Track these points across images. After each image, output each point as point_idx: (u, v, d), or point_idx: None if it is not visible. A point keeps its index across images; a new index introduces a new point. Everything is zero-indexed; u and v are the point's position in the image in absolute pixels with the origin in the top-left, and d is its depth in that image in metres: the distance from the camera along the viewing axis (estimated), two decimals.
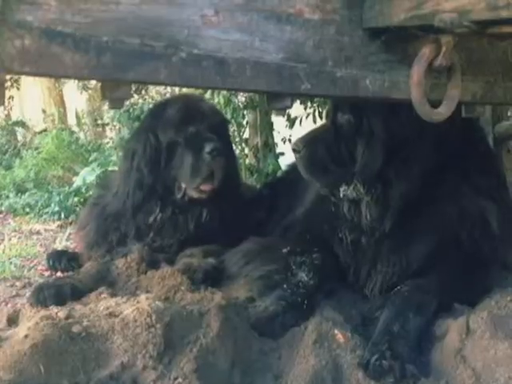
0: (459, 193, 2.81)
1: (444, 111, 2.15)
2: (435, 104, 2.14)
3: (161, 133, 3.47)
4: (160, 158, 3.46)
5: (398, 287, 2.64)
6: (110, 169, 6.99)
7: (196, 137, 3.45)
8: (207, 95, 6.75)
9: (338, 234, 2.96)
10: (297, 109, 5.68)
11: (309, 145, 2.91)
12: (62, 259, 3.82)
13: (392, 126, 2.69)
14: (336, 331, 2.45)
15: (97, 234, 3.60)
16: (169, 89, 8.04)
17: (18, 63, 1.58)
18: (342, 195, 2.86)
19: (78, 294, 2.92)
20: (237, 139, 6.60)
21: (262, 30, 1.97)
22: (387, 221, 2.79)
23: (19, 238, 5.31)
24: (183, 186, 3.45)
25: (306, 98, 5.08)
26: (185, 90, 7.50)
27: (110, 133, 9.59)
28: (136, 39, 1.74)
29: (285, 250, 3.04)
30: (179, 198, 3.47)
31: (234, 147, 5.13)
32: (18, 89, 11.86)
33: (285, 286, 2.79)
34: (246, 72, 1.94)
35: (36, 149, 8.94)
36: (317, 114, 5.65)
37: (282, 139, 6.45)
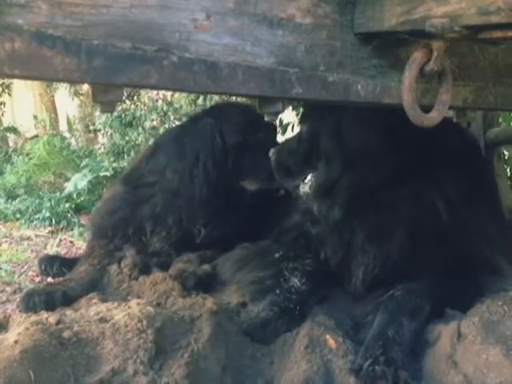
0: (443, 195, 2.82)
1: (435, 116, 2.15)
2: (427, 109, 2.14)
3: (228, 135, 3.63)
4: (226, 159, 3.61)
5: (391, 292, 2.64)
6: (101, 174, 6.96)
7: (266, 142, 3.68)
8: (199, 100, 6.76)
9: (305, 229, 3.11)
10: (289, 115, 5.69)
11: (277, 151, 3.24)
12: (54, 264, 3.80)
13: (345, 139, 2.81)
14: (328, 336, 2.45)
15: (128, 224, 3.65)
16: (161, 95, 8.02)
17: (8, 66, 1.57)
18: (301, 193, 3.09)
19: (68, 301, 2.91)
20: None
21: (254, 35, 1.96)
22: (337, 209, 2.84)
23: (10, 243, 5.28)
24: (249, 187, 3.68)
25: (297, 102, 5.09)
26: (177, 94, 7.54)
27: (102, 139, 9.52)
28: (127, 43, 1.73)
29: (277, 256, 3.05)
30: (241, 197, 3.66)
31: None
32: (9, 94, 11.79)
33: (277, 291, 2.79)
34: (237, 76, 1.93)
35: (27, 154, 8.87)
36: None
37: None
